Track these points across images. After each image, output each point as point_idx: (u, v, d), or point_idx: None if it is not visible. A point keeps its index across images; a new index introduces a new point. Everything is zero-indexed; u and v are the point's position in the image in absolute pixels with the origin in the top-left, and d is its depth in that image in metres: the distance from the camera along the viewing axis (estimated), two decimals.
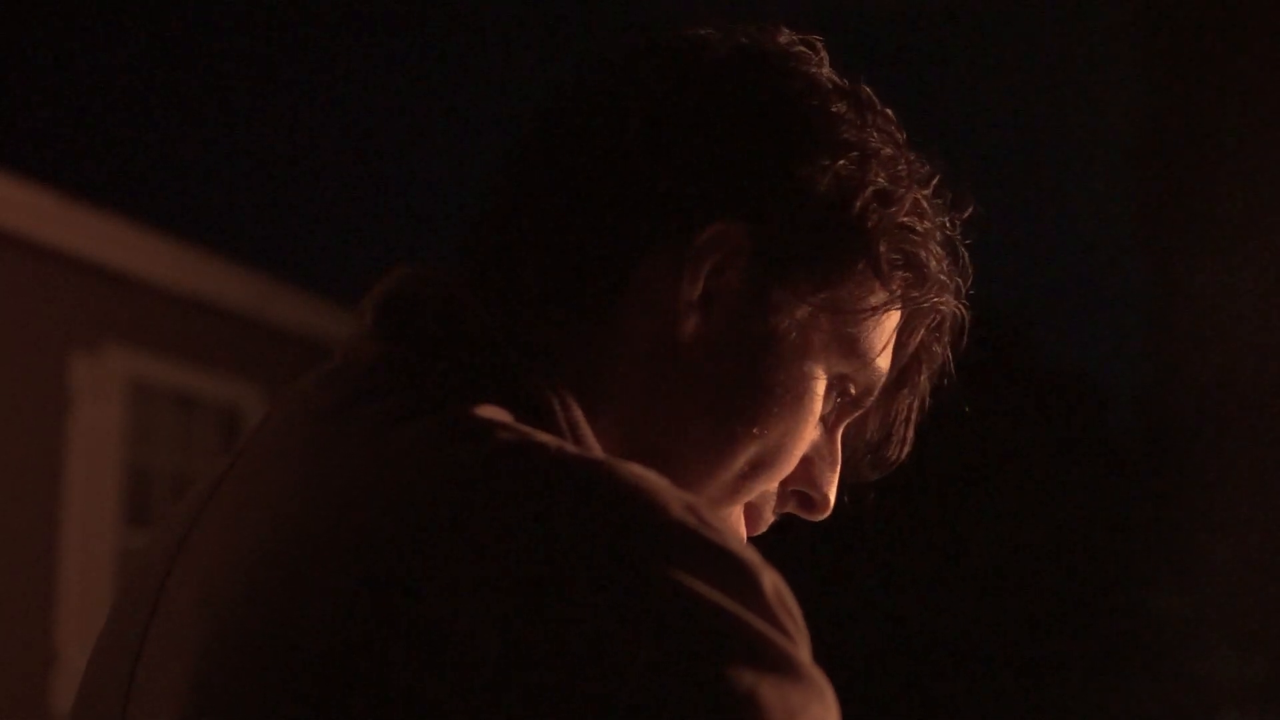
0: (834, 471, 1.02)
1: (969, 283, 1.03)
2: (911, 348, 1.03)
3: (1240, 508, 10.97)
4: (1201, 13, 11.32)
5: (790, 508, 1.03)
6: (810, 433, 0.99)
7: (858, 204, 0.95)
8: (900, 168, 0.97)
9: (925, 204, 0.99)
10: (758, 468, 0.97)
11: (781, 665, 0.72)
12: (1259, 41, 10.88)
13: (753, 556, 0.75)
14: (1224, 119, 11.02)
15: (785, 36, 1.00)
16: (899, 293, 0.98)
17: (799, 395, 0.96)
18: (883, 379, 1.01)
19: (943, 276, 1.00)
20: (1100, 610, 12.13)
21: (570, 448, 0.79)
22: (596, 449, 0.88)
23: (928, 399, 1.06)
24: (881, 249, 0.96)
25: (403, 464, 0.79)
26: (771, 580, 0.75)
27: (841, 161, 0.94)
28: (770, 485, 0.99)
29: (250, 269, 8.53)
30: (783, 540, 1.05)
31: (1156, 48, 12.02)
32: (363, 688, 0.71)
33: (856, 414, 1.03)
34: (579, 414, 0.89)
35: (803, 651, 0.74)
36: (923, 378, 1.05)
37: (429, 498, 0.76)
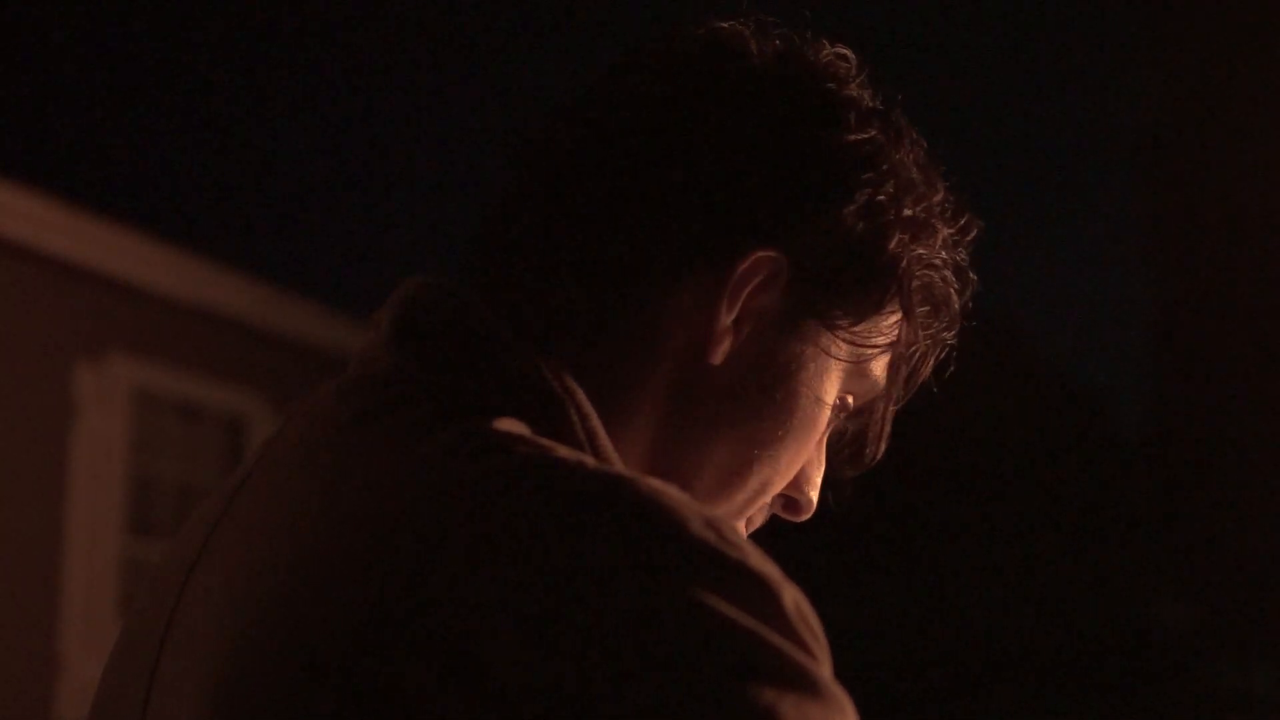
0: (819, 474, 1.03)
1: (971, 305, 1.04)
2: (915, 368, 1.04)
3: (1245, 517, 10.96)
4: (1209, 19, 11.31)
5: (775, 510, 1.03)
6: (812, 449, 1.00)
7: (892, 242, 0.95)
8: (931, 202, 0.98)
9: (950, 237, 1.00)
10: (765, 487, 0.98)
11: (801, 682, 0.71)
12: (1266, 49, 10.88)
13: (773, 572, 0.75)
14: (1231, 125, 11.01)
15: (825, 51, 0.99)
16: (918, 327, 0.99)
17: (813, 419, 0.97)
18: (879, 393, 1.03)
19: (955, 309, 1.01)
20: (1105, 620, 12.12)
21: (589, 462, 0.79)
22: (615, 460, 0.88)
23: (905, 396, 1.07)
24: (914, 289, 0.97)
25: (421, 479, 0.78)
26: (792, 597, 0.75)
27: (880, 197, 0.95)
28: (767, 500, 1.00)
29: (255, 278, 8.54)
30: (791, 552, 1.05)
31: (1163, 55, 12.02)
32: (382, 704, 0.71)
33: (841, 421, 1.04)
34: (597, 424, 0.88)
35: (823, 668, 0.74)
36: (906, 387, 1.05)
37: (448, 514, 0.75)
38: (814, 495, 1.03)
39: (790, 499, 1.02)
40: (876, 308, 0.97)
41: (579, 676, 0.69)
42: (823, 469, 1.03)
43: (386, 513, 0.77)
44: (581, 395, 0.89)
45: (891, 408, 1.05)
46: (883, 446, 1.07)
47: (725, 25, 0.99)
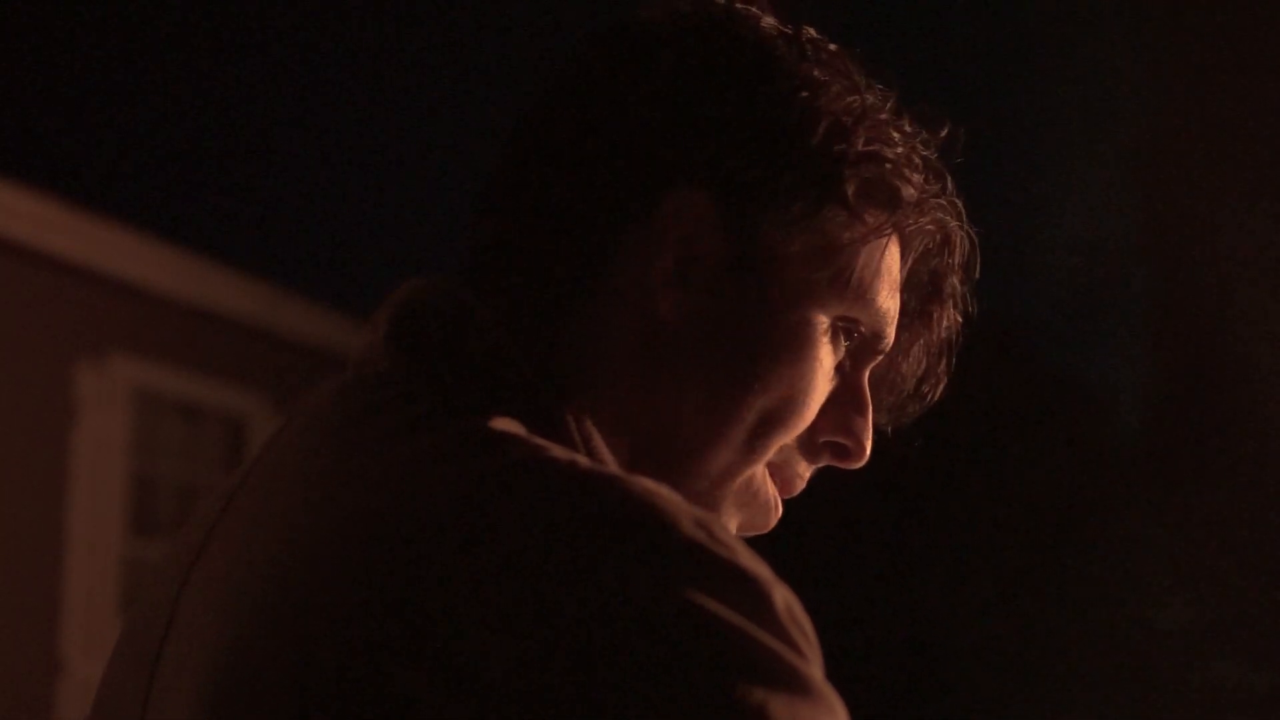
0: (864, 417, 1.00)
1: (962, 202, 1.01)
2: (919, 278, 1.02)
3: (1245, 518, 10.96)
4: (1209, 16, 11.31)
5: (825, 459, 1.01)
6: (822, 381, 0.97)
7: (814, 141, 0.93)
8: (852, 99, 0.95)
9: (889, 130, 0.97)
10: (769, 423, 0.95)
11: (792, 682, 0.72)
12: (1266, 47, 10.88)
13: (764, 573, 0.75)
14: (1231, 123, 11.01)
15: None
16: (876, 224, 0.96)
17: (797, 345, 0.95)
18: (891, 317, 1.00)
19: (924, 200, 0.98)
20: (1104, 621, 12.12)
21: (583, 461, 0.79)
22: (609, 459, 0.89)
23: (956, 330, 1.05)
24: (847, 181, 0.94)
25: (416, 479, 0.79)
26: (783, 596, 0.75)
27: (790, 103, 0.93)
28: (788, 439, 0.98)
29: (256, 278, 8.54)
30: (785, 548, 1.05)
31: (1163, 51, 12.01)
32: (375, 706, 0.71)
33: (878, 357, 1.01)
34: (591, 425, 0.89)
35: (814, 668, 0.74)
36: (944, 309, 1.03)
37: (440, 515, 0.76)
38: (864, 439, 1.00)
39: (838, 445, 1.00)
40: (810, 213, 0.94)
41: (572, 677, 0.69)
42: (867, 411, 1.01)
43: (381, 512, 0.77)
44: (572, 393, 0.90)
45: (939, 341, 1.03)
46: (941, 384, 1.05)
47: (643, 11, 1.00)
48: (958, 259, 1.02)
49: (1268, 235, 10.75)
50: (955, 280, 1.03)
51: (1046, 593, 12.01)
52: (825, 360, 0.97)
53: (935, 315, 1.03)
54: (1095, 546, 12.20)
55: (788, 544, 1.05)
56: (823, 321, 0.96)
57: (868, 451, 1.01)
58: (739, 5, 0.99)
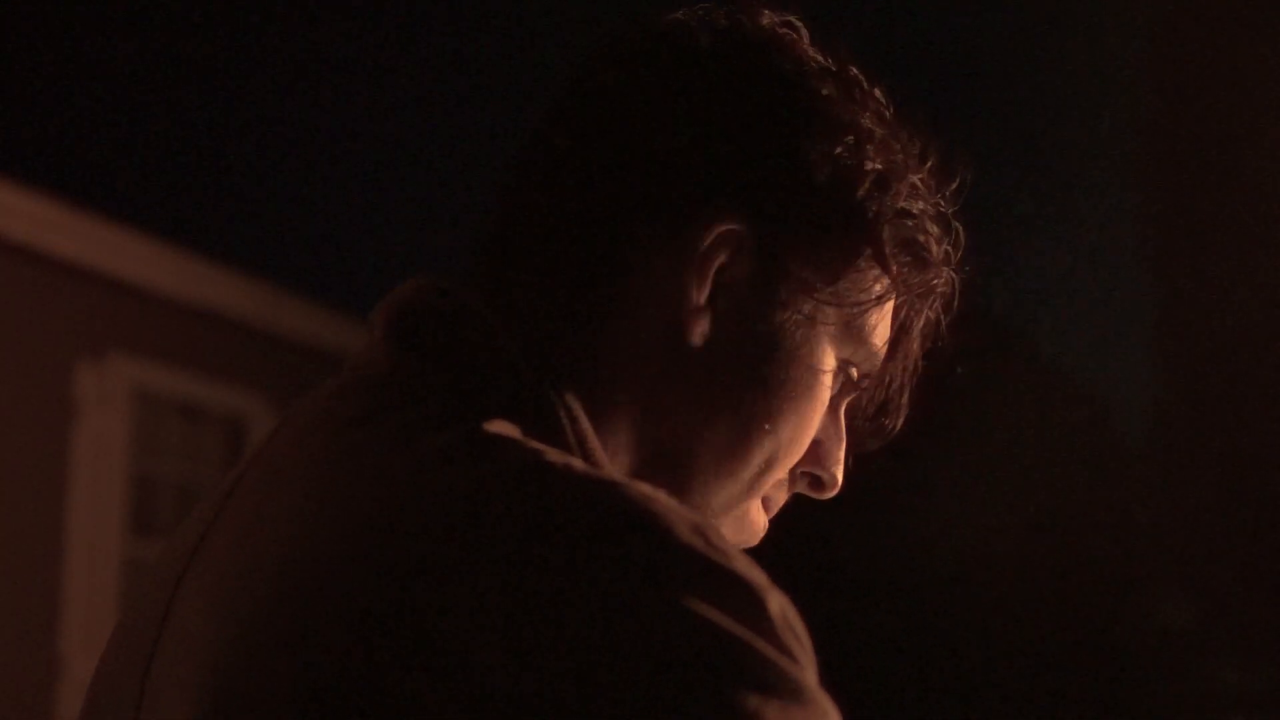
0: (841, 450, 1.02)
1: (960, 252, 1.02)
2: (910, 324, 1.03)
3: (1245, 516, 10.93)
4: (1209, 13, 11.29)
5: (800, 489, 1.02)
6: (819, 419, 0.98)
7: (858, 194, 0.94)
8: (895, 151, 0.96)
9: (921, 185, 0.98)
10: (773, 462, 0.96)
11: (787, 689, 0.71)
12: (1267, 44, 10.85)
13: (760, 579, 0.75)
14: (1231, 121, 10.99)
15: (766, 18, 0.99)
16: (901, 279, 0.97)
17: (809, 388, 0.96)
18: (882, 358, 1.01)
19: (941, 257, 0.99)
20: (1103, 619, 12.10)
21: (578, 466, 0.79)
22: (605, 464, 0.88)
23: (920, 362, 1.06)
24: (885, 238, 0.95)
25: (414, 483, 0.78)
26: (778, 603, 0.75)
27: (838, 149, 0.94)
28: (783, 475, 0.99)
29: (256, 278, 8.54)
30: (780, 552, 1.04)
31: (1163, 48, 11.98)
32: (371, 708, 0.71)
33: (858, 392, 1.02)
34: (587, 427, 0.89)
35: (809, 675, 0.74)
36: (913, 345, 1.04)
37: (437, 518, 0.75)
38: (838, 472, 1.02)
39: (814, 477, 1.01)
40: (848, 264, 0.95)
41: (565, 682, 0.69)
42: (844, 444, 1.02)
43: (378, 516, 0.77)
44: (570, 397, 0.89)
45: (905, 374, 1.04)
46: (903, 415, 1.06)
47: (674, 16, 0.99)
48: (939, 301, 1.04)
49: (1270, 235, 10.73)
50: (929, 314, 1.04)
51: (1045, 594, 12.00)
52: (827, 400, 0.98)
53: (907, 351, 1.04)
54: (1095, 546, 12.19)
55: (783, 548, 1.04)
56: (833, 364, 0.97)
57: (840, 483, 1.02)
58: (782, 29, 0.98)
